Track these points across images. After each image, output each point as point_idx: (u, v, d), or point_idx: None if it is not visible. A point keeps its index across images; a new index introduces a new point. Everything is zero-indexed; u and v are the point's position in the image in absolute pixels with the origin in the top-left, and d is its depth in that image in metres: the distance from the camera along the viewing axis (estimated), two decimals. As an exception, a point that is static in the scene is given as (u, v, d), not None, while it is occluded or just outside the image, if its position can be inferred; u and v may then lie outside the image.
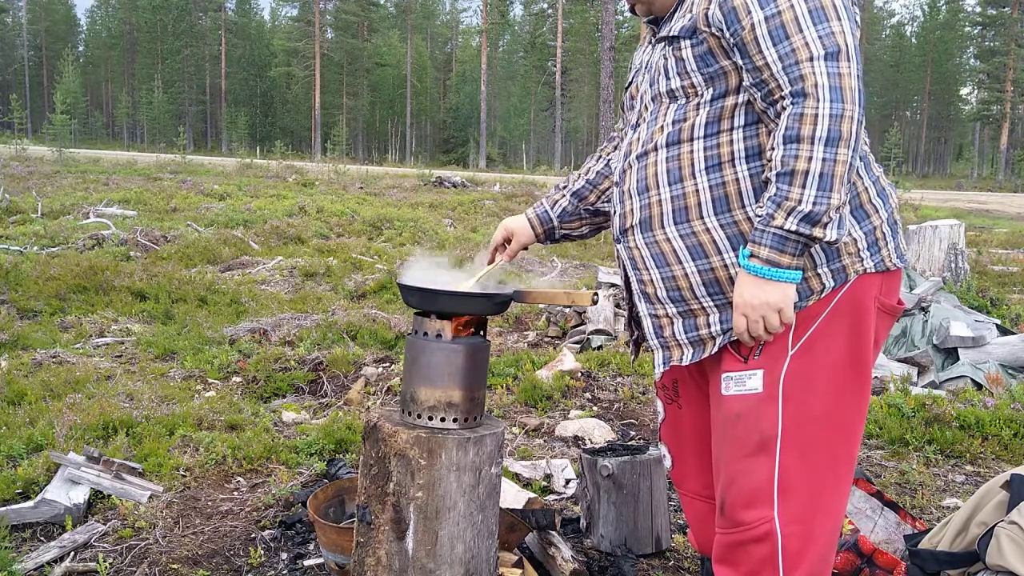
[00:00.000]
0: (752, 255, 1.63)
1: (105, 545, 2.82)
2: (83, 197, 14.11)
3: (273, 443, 3.66)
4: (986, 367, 4.96)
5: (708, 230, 1.72)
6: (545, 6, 64.02)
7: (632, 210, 1.82)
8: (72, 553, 2.76)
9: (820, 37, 1.56)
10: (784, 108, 1.59)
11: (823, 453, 1.73)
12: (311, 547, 2.83)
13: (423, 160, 56.49)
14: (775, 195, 1.58)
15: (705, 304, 1.76)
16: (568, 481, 3.47)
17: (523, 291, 2.05)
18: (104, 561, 2.67)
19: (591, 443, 3.91)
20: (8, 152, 24.32)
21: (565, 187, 2.16)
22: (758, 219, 1.61)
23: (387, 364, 5.10)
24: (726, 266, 1.72)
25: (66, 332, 5.73)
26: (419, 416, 1.92)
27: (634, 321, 2.02)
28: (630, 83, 1.99)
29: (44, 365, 4.83)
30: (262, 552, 2.80)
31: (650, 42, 1.93)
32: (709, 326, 1.77)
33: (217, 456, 3.50)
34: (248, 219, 11.83)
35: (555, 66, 58.97)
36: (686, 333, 1.81)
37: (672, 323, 1.82)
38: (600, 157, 2.16)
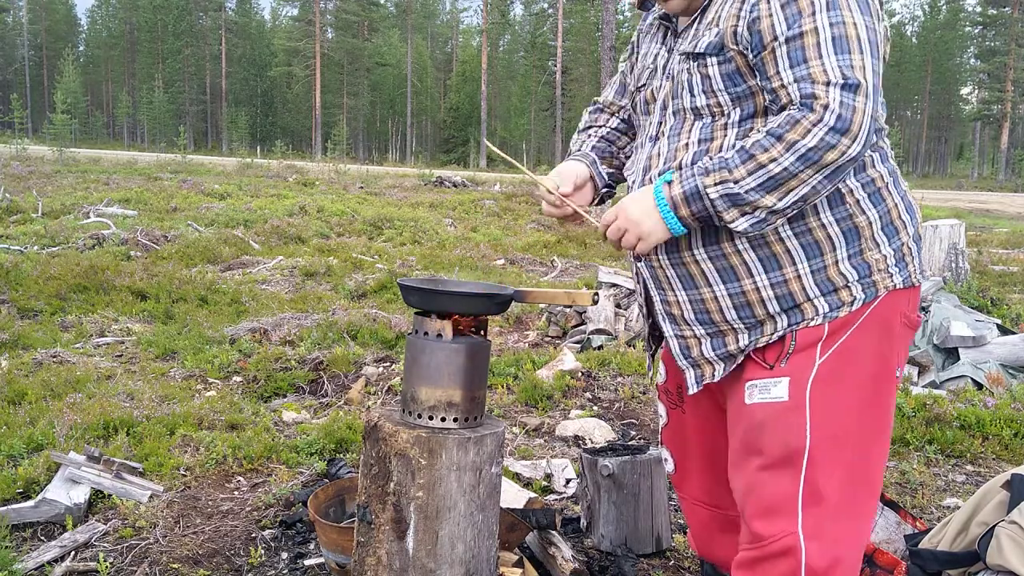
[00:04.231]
0: (669, 183, 1.62)
1: (106, 545, 2.82)
2: (83, 197, 14.11)
3: (273, 443, 3.66)
4: (986, 367, 4.96)
5: (739, 252, 1.67)
6: (545, 6, 64.01)
7: None
8: (73, 553, 2.76)
9: (840, 67, 1.50)
10: (788, 110, 1.55)
11: (849, 466, 1.67)
12: (311, 547, 2.83)
13: (423, 160, 56.54)
14: (724, 160, 1.56)
15: (735, 325, 1.72)
16: (568, 481, 3.47)
17: (523, 291, 2.05)
18: (104, 561, 2.67)
19: (591, 443, 3.91)
20: (8, 152, 24.36)
21: (586, 140, 2.05)
22: (700, 165, 1.60)
23: (388, 364, 5.10)
24: (757, 289, 1.68)
25: (66, 332, 5.73)
26: (420, 416, 1.92)
27: (652, 336, 1.97)
28: (644, 84, 1.88)
29: (44, 365, 4.83)
30: (262, 552, 2.81)
31: (663, 41, 1.84)
32: (738, 342, 1.73)
33: (217, 456, 3.50)
34: (248, 219, 11.83)
35: (555, 66, 58.95)
36: (715, 351, 1.76)
37: (700, 343, 1.78)
38: (603, 110, 2.08)
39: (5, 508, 2.93)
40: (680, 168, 1.69)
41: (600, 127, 2.05)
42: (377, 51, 66.57)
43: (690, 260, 1.72)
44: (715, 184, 1.55)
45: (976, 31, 61.09)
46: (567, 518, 3.02)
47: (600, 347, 5.60)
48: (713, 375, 1.78)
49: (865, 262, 1.67)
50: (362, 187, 19.20)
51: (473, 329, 1.99)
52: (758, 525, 1.68)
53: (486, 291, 2.00)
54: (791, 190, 1.52)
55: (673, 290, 1.77)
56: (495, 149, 2.01)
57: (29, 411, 3.94)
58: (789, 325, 1.68)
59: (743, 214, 1.55)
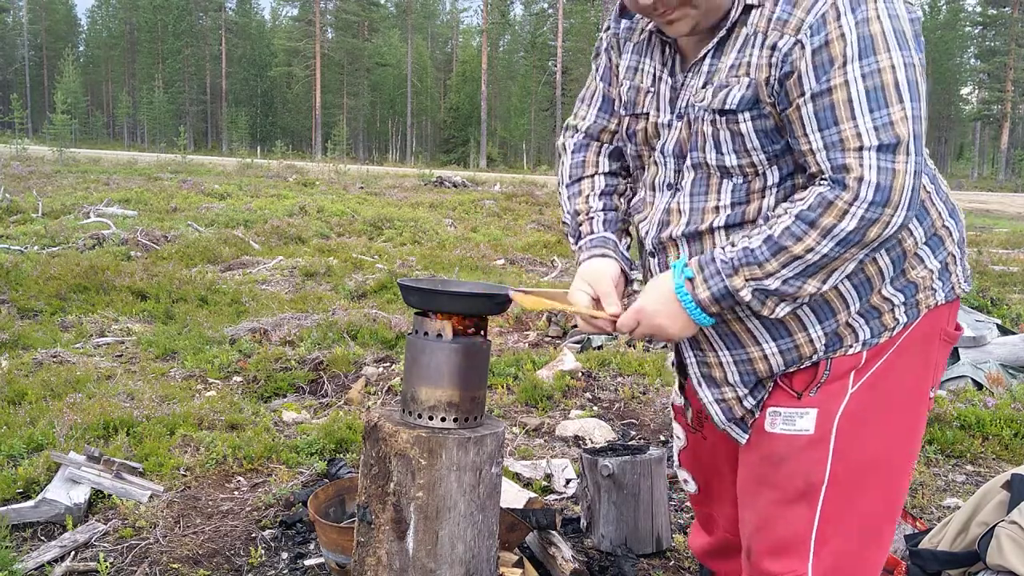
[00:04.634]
0: (691, 281, 1.45)
1: (106, 545, 2.82)
2: (83, 197, 14.12)
3: (273, 443, 3.66)
4: (987, 367, 4.95)
5: None
6: (545, 6, 64.03)
7: None
8: (73, 553, 2.76)
9: (876, 128, 1.31)
10: (818, 185, 1.37)
11: (870, 501, 1.55)
12: (311, 547, 2.83)
13: (423, 160, 56.60)
14: (751, 253, 1.40)
15: (778, 372, 1.57)
16: (568, 481, 3.47)
17: (524, 291, 2.05)
18: (105, 561, 2.67)
19: (591, 443, 3.91)
20: (9, 152, 24.38)
21: (587, 214, 1.74)
22: (721, 257, 1.43)
23: (388, 364, 5.10)
24: (811, 340, 1.52)
25: (66, 332, 5.73)
26: (419, 416, 1.92)
27: (681, 368, 1.78)
28: (643, 112, 1.62)
29: (44, 365, 4.83)
30: (262, 552, 2.81)
31: (661, 59, 1.58)
32: (772, 378, 1.59)
33: (217, 456, 3.50)
34: (248, 219, 11.83)
35: (555, 66, 58.97)
36: (755, 398, 1.61)
37: (741, 401, 1.62)
38: (588, 145, 1.77)
39: (5, 508, 2.93)
40: (700, 252, 1.52)
41: (593, 177, 1.76)
42: (377, 51, 66.60)
43: (732, 317, 1.54)
44: (745, 281, 1.40)
45: (976, 31, 61.17)
46: (567, 518, 3.02)
47: (600, 347, 5.60)
48: (755, 417, 1.63)
49: (911, 282, 1.53)
50: (362, 187, 19.21)
51: (473, 329, 1.99)
52: (767, 563, 1.58)
53: (485, 291, 2.00)
54: (835, 270, 1.39)
55: (714, 350, 1.59)
56: (526, 294, 1.72)
57: (29, 411, 3.94)
58: (826, 352, 1.53)
59: (782, 301, 1.42)
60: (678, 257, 1.56)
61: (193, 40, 68.70)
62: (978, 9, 59.25)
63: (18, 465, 3.30)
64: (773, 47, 1.38)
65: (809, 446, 1.53)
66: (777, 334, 1.53)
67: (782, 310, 1.44)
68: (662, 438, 4.04)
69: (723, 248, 1.44)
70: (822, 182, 1.37)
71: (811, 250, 1.36)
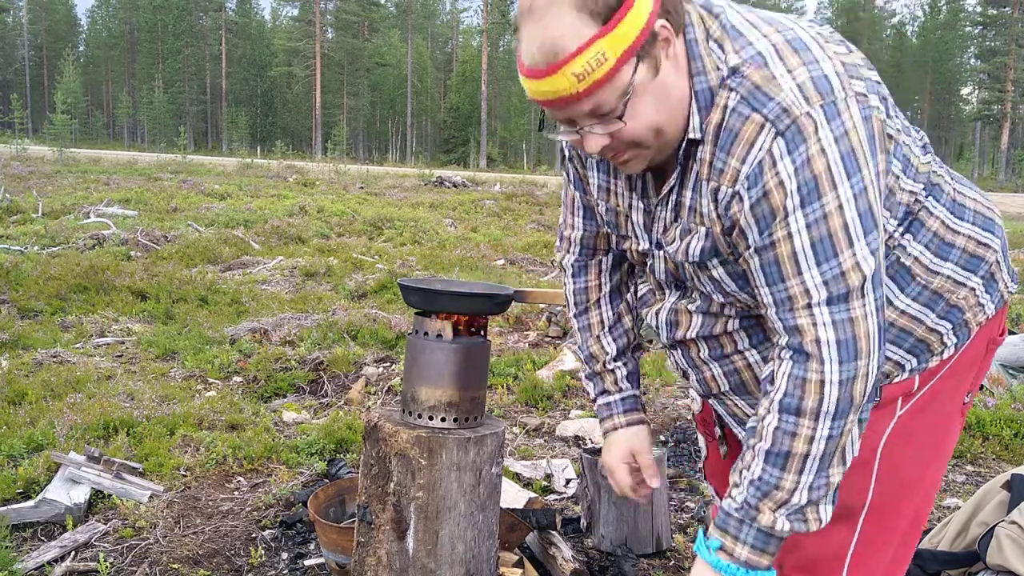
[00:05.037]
0: (722, 549, 1.33)
1: (106, 545, 2.82)
2: (83, 197, 14.12)
3: (274, 443, 3.66)
4: (987, 367, 4.95)
5: None
6: (545, 6, 64.00)
7: (714, 376, 1.52)
8: (73, 553, 2.76)
9: (825, 281, 1.23)
10: (782, 359, 1.30)
11: (905, 519, 1.51)
12: (311, 547, 2.83)
13: (424, 160, 56.63)
14: (761, 480, 1.30)
15: None
16: (568, 481, 3.47)
17: (523, 291, 2.05)
18: (105, 561, 2.67)
19: (592, 443, 3.91)
20: (9, 152, 24.40)
21: (603, 365, 1.73)
22: (733, 506, 1.33)
23: (388, 364, 5.10)
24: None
25: (67, 332, 5.73)
26: (419, 416, 1.92)
27: (719, 423, 1.73)
28: (624, 235, 1.54)
29: (45, 365, 4.83)
30: (262, 552, 2.81)
31: (629, 185, 1.47)
32: None
33: (218, 456, 3.50)
34: (249, 219, 11.83)
35: (555, 66, 58.92)
36: None
37: None
38: (587, 265, 1.71)
39: (5, 508, 2.93)
40: (719, 347, 1.48)
41: (599, 304, 1.71)
42: (377, 51, 66.62)
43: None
44: (773, 513, 1.31)
45: (976, 31, 61.18)
46: (567, 518, 3.02)
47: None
48: None
49: (954, 307, 1.44)
50: (362, 187, 19.21)
51: (473, 329, 1.99)
52: None
53: (486, 291, 2.00)
54: (846, 446, 1.31)
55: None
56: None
57: (29, 411, 3.94)
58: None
59: (819, 505, 1.32)
60: (699, 351, 1.52)
61: (193, 40, 68.74)
62: (978, 9, 59.25)
63: (18, 465, 3.30)
64: (715, 198, 1.30)
65: (851, 470, 1.45)
66: None
67: (826, 511, 1.33)
68: (661, 438, 4.04)
69: (729, 499, 1.35)
70: (783, 353, 1.30)
71: (812, 439, 1.27)
